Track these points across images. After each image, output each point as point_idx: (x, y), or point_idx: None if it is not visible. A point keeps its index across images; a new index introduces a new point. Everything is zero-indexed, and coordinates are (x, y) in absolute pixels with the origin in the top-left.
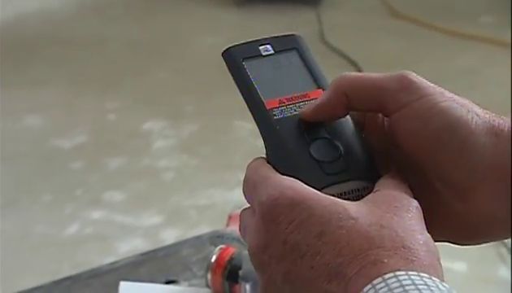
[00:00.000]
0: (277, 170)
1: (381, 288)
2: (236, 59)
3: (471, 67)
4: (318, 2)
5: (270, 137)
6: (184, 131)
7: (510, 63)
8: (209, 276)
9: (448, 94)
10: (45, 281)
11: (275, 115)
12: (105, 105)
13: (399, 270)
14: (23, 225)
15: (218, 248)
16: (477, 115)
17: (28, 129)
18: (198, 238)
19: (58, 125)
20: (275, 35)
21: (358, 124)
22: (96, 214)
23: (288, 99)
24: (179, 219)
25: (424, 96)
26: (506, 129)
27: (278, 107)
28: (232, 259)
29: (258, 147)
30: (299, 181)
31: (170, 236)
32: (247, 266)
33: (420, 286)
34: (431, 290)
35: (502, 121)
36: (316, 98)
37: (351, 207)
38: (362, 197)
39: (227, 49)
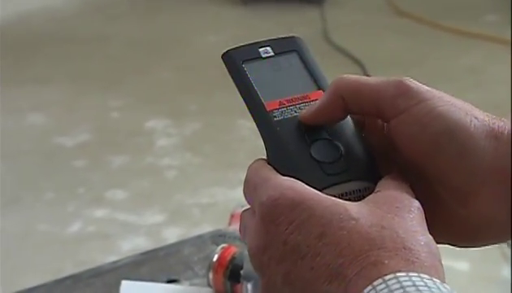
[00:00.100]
0: (278, 171)
1: (381, 289)
2: (236, 62)
3: (475, 65)
4: (323, 0)
5: (270, 138)
6: (186, 129)
7: None
8: (210, 275)
9: (446, 98)
10: (48, 279)
11: (275, 116)
12: (107, 103)
13: (400, 271)
14: (26, 223)
15: (220, 247)
16: (476, 118)
17: (31, 127)
18: (200, 237)
19: (61, 123)
20: (275, 37)
21: (358, 125)
22: (98, 212)
23: (288, 101)
24: (181, 217)
25: (422, 101)
26: (506, 131)
27: (278, 109)
28: (233, 258)
29: (261, 146)
30: (299, 182)
31: (172, 234)
32: (249, 265)
33: (421, 288)
34: (432, 292)
35: (502, 124)
36: (316, 100)
37: (352, 207)
38: (363, 197)
39: (226, 51)
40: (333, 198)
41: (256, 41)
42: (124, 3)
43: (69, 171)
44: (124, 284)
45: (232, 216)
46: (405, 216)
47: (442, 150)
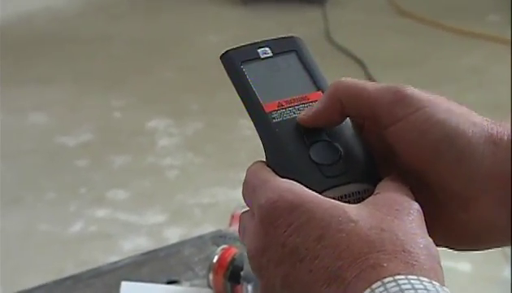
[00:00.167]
0: (277, 173)
1: (380, 292)
2: (235, 62)
3: (478, 65)
4: (324, 0)
5: (269, 140)
6: (188, 129)
7: None
8: (211, 276)
9: (444, 104)
10: (49, 279)
11: (274, 118)
12: (110, 103)
13: (399, 274)
14: (28, 222)
15: (220, 248)
16: (474, 124)
17: (33, 127)
18: (200, 237)
19: (63, 123)
20: (274, 37)
21: (358, 127)
22: (100, 212)
23: (287, 102)
24: (183, 217)
25: (420, 108)
26: (506, 137)
27: (277, 110)
28: (234, 259)
29: (262, 146)
30: (298, 184)
31: (174, 234)
32: (249, 267)
33: (420, 291)
34: None
35: (501, 129)
36: (315, 101)
37: (351, 210)
38: (363, 200)
39: (225, 52)
40: (332, 200)
41: (255, 41)
42: (126, 3)
43: (71, 171)
44: (124, 285)
45: (233, 217)
46: (405, 218)
47: (441, 157)
